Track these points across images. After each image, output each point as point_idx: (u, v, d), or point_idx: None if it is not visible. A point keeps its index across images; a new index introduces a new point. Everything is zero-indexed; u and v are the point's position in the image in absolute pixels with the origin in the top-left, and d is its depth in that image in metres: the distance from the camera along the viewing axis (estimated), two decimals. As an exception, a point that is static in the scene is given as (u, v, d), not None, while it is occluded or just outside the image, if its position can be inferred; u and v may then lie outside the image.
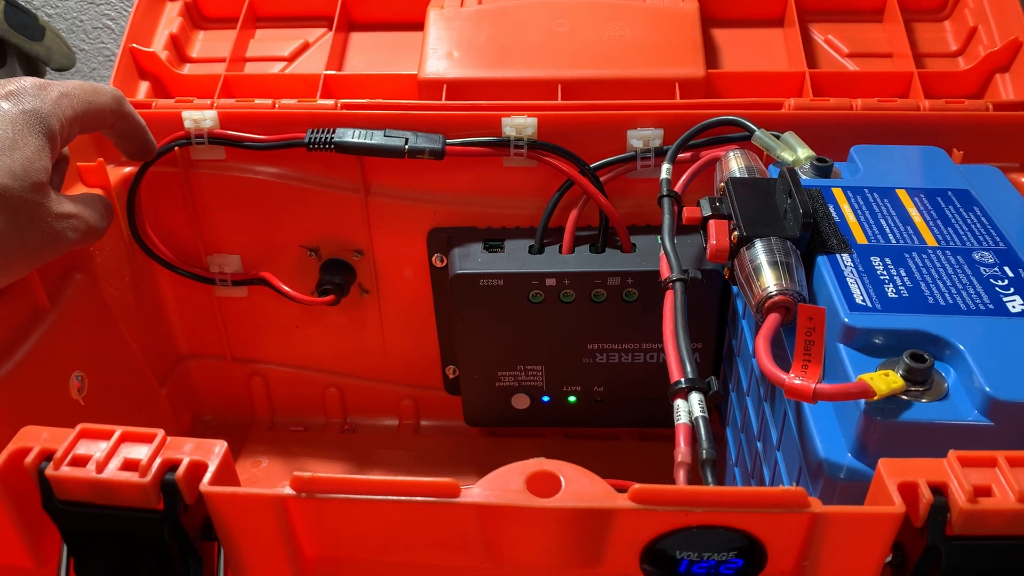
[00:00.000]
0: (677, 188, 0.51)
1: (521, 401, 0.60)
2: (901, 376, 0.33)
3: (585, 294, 0.54)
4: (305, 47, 0.68)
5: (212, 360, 0.68)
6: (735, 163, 0.48)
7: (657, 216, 0.52)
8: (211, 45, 0.69)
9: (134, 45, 0.64)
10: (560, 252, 0.56)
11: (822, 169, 0.48)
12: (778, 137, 0.51)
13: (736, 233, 0.41)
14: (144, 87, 0.64)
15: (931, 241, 0.41)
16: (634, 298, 0.54)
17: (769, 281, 0.38)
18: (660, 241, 0.46)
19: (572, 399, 0.60)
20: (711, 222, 0.44)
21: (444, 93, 0.60)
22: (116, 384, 0.56)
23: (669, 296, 0.43)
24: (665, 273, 0.44)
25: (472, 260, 0.56)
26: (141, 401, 0.59)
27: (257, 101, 0.58)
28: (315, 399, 0.70)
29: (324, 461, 0.67)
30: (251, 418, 0.71)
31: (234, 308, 0.65)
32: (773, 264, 0.39)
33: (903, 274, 0.39)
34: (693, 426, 0.35)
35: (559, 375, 0.59)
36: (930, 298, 0.37)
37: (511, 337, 0.57)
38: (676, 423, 0.36)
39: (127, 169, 0.58)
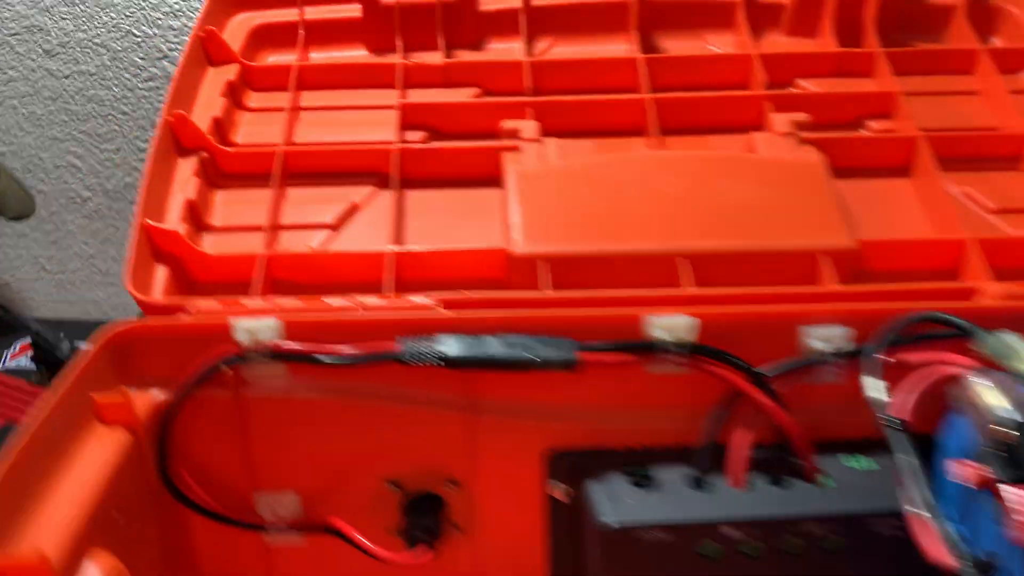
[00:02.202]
0: (894, 412, 0.40)
1: None
2: None
3: (775, 545, 0.42)
4: (353, 210, 0.56)
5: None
6: (992, 398, 0.37)
7: (840, 428, 0.43)
8: (235, 209, 0.57)
9: (148, 221, 0.51)
10: (728, 484, 0.44)
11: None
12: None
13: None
14: (161, 273, 0.51)
15: None
16: (839, 547, 0.43)
17: None
18: (906, 496, 0.35)
19: None
20: (1009, 489, 0.33)
21: (547, 272, 0.49)
22: None
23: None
24: (938, 556, 0.33)
25: (622, 503, 0.43)
26: None
27: (327, 300, 0.46)
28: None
29: None
30: None
31: (290, 561, 0.50)
32: None
33: None
34: None
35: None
36: None
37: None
38: None
39: (159, 397, 0.44)
